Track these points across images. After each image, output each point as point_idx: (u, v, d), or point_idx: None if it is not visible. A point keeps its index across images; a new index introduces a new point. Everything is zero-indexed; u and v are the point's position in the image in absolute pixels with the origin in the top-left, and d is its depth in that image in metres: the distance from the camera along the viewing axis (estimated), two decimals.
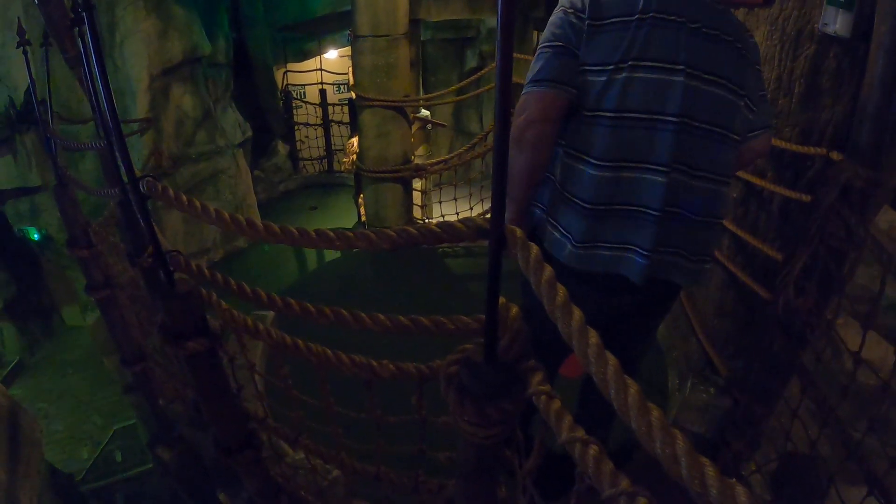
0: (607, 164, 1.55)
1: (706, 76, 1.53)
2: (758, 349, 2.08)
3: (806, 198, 2.01)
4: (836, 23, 1.91)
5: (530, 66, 1.62)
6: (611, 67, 1.52)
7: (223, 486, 2.41)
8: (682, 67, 1.51)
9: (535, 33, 7.25)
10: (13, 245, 7.40)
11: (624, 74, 1.51)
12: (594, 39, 1.53)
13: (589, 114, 1.55)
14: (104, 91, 0.97)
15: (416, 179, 5.44)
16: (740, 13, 2.32)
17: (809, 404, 1.73)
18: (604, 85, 1.53)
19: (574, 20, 1.55)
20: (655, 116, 1.52)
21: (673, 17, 1.50)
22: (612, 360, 0.56)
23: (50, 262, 7.53)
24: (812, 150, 2.02)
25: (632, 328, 1.87)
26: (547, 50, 1.58)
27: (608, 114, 1.53)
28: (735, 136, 1.60)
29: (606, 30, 1.53)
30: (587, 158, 1.57)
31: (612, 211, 1.58)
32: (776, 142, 2.21)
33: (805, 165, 2.21)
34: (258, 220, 0.98)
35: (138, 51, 5.35)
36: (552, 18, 1.61)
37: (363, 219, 5.54)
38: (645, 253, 1.58)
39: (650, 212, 1.56)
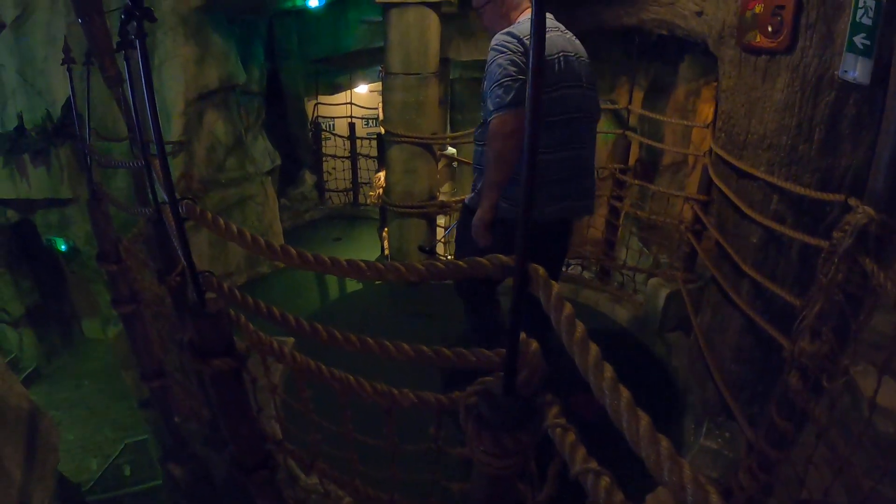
0: (553, 151, 2.42)
1: (587, 86, 2.50)
2: (773, 394, 2.07)
3: (824, 244, 2.01)
4: (856, 69, 1.93)
5: (494, 93, 2.27)
6: (549, 89, 2.35)
7: None
8: (583, 83, 2.47)
9: None
10: (40, 254, 7.55)
11: (559, 92, 2.39)
12: None
13: None
14: (151, 113, 1.01)
15: (441, 216, 5.47)
16: (762, 60, 2.37)
17: (825, 451, 1.71)
18: (548, 101, 2.34)
19: (521, 58, 2.26)
20: (573, 115, 2.44)
21: (571, 53, 2.43)
22: (625, 392, 0.59)
23: (74, 273, 7.65)
24: (829, 196, 2.03)
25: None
26: (511, 81, 2.25)
27: (549, 118, 2.36)
28: (596, 120, 2.63)
29: (545, 65, 2.20)
30: (542, 151, 2.29)
31: (553, 180, 2.44)
32: (795, 187, 2.23)
33: (824, 211, 2.21)
34: (290, 248, 1.02)
35: (176, 75, 5.52)
36: (502, 61, 2.27)
37: (386, 252, 5.55)
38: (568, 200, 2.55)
39: (573, 173, 2.50)
